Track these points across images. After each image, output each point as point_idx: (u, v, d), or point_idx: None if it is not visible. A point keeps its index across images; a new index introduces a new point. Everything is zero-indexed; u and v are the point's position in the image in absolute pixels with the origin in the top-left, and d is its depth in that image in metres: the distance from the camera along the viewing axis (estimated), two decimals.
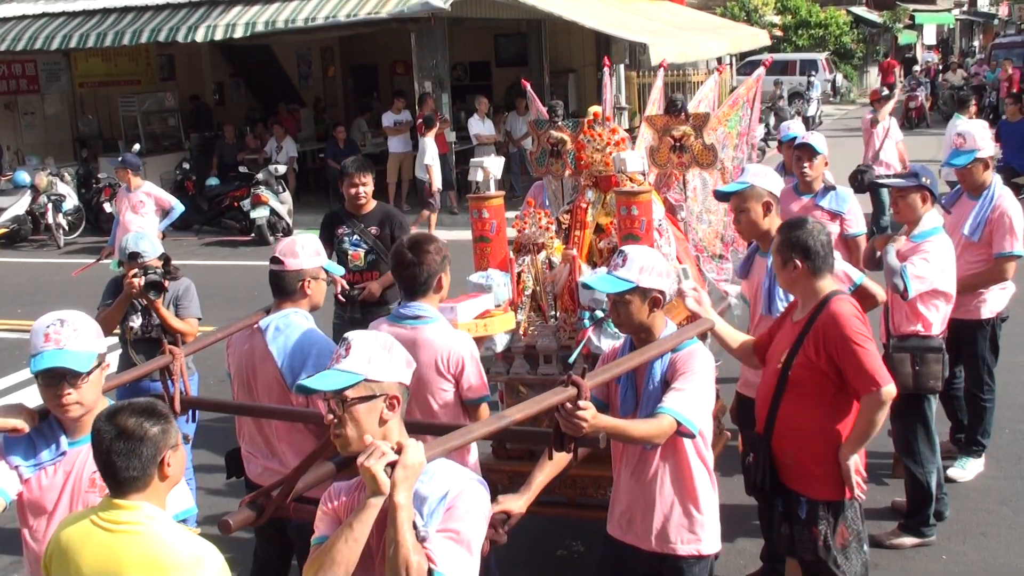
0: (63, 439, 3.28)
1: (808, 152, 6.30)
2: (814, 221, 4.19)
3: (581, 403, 3.13)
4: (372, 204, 6.61)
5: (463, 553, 2.63)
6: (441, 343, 4.05)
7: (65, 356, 3.16)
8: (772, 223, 4.74)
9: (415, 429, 3.09)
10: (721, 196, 5.11)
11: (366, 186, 6.52)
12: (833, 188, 6.47)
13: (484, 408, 4.12)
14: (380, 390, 2.71)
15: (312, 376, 2.77)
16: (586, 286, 4.33)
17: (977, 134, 5.93)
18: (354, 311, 6.49)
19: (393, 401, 2.74)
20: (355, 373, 2.69)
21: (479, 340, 4.70)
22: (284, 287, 4.23)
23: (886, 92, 13.24)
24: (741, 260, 5.43)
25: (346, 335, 2.79)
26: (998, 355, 6.14)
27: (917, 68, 36.07)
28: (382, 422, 2.72)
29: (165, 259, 5.56)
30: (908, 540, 5.44)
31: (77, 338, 3.20)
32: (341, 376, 2.69)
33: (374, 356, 2.73)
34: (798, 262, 4.03)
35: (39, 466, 3.27)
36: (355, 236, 6.54)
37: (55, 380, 3.19)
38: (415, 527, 2.58)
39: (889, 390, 3.91)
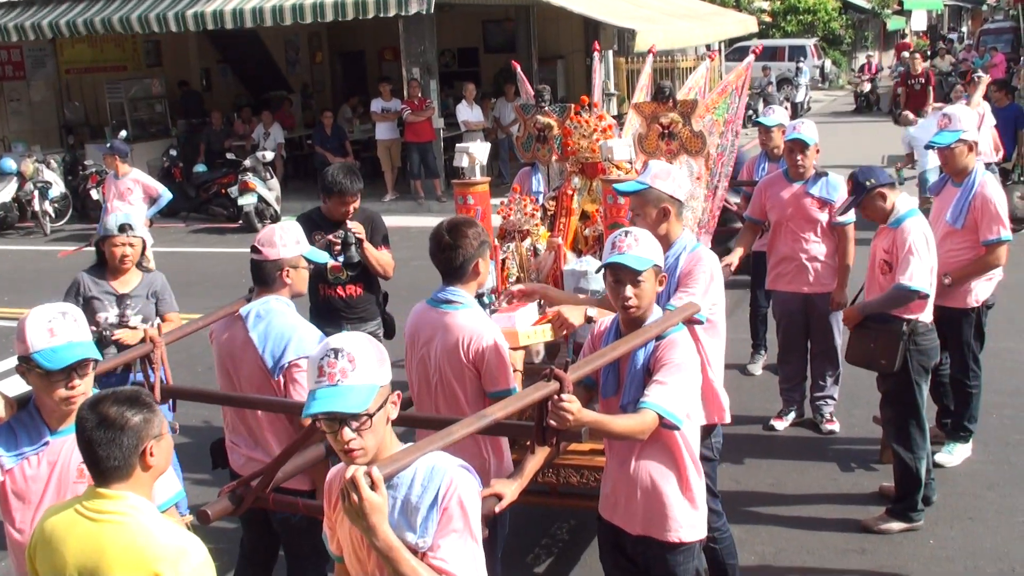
0: (44, 429, 3.26)
1: (799, 145, 6.45)
2: None
3: (565, 396, 3.10)
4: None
5: (471, 546, 2.62)
6: (465, 328, 3.91)
7: (85, 347, 3.18)
8: (671, 230, 4.27)
9: (404, 422, 3.04)
10: (620, 193, 4.57)
11: (357, 202, 5.74)
12: (824, 175, 6.50)
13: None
14: (387, 392, 2.61)
15: (318, 400, 2.51)
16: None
17: (962, 116, 5.91)
18: (335, 328, 5.45)
19: (396, 399, 2.65)
20: (372, 384, 2.54)
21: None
22: (263, 276, 4.19)
23: (980, 75, 12.80)
24: None
25: (333, 344, 2.56)
26: (984, 342, 6.15)
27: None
28: (387, 421, 2.63)
29: (143, 245, 5.58)
30: (896, 525, 5.45)
31: (79, 329, 3.20)
32: (362, 391, 2.51)
33: (377, 359, 2.58)
34: None
35: (21, 456, 3.25)
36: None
37: (64, 373, 3.16)
38: (410, 544, 2.55)
39: None
